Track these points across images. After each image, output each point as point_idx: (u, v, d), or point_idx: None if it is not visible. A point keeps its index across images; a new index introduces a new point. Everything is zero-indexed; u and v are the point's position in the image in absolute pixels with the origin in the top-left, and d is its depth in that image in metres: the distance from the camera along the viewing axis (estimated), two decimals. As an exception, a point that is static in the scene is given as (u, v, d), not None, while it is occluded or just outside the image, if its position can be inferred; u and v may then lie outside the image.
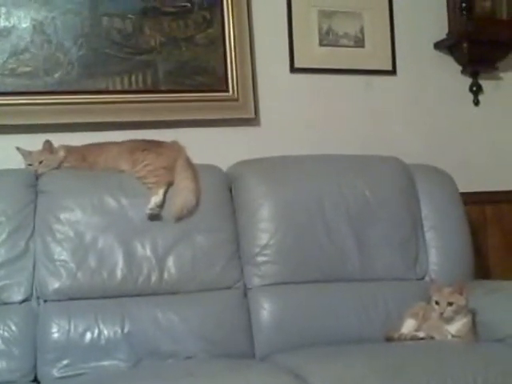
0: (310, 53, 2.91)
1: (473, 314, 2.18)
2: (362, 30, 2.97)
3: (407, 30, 3.03)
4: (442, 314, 2.13)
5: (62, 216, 2.27)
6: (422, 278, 2.53)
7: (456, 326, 2.14)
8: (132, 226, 2.31)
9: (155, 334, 2.20)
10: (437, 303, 2.15)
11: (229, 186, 2.52)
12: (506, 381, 1.90)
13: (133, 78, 2.67)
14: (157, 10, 2.69)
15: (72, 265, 2.23)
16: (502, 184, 3.08)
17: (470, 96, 3.11)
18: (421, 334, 2.18)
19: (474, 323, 2.18)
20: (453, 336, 2.14)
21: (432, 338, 2.16)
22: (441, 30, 3.06)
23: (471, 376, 1.87)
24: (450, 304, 2.13)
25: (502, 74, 3.18)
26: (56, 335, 2.14)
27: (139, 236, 2.30)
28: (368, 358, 2.01)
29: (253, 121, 2.81)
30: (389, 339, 2.23)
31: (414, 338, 2.19)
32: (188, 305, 2.28)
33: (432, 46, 3.07)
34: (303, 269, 2.41)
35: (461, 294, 2.15)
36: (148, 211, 2.31)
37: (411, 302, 2.32)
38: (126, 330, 2.17)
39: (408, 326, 2.24)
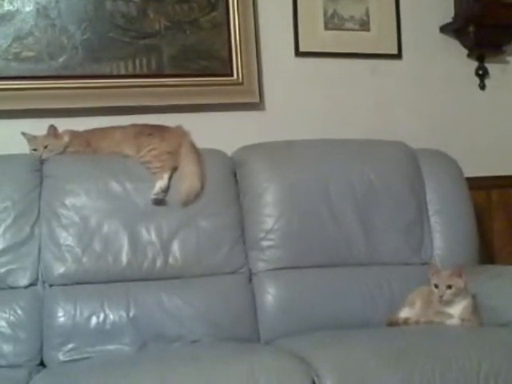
0: (315, 36, 2.89)
1: (473, 297, 2.18)
2: (367, 14, 2.95)
3: (413, 14, 3.01)
4: (441, 297, 2.14)
5: (67, 201, 2.28)
6: (427, 263, 2.52)
7: (458, 309, 2.15)
8: (137, 210, 2.31)
9: (160, 318, 2.20)
10: (436, 286, 2.16)
11: (233, 171, 2.52)
12: (511, 365, 1.90)
13: (137, 62, 2.66)
14: (161, -6, 2.68)
15: (77, 249, 2.24)
16: (507, 169, 3.07)
17: (476, 80, 3.10)
18: (423, 319, 2.19)
19: (476, 306, 2.18)
20: (456, 319, 2.14)
21: (432, 322, 2.16)
22: (447, 14, 3.04)
23: (476, 360, 1.87)
24: (449, 287, 2.13)
25: (508, 58, 3.16)
26: (62, 319, 2.15)
27: (144, 221, 2.31)
28: (372, 342, 2.01)
29: (257, 105, 2.81)
30: (391, 324, 2.24)
31: (417, 323, 2.19)
32: (193, 289, 2.28)
33: (438, 29, 3.05)
34: (308, 253, 2.41)
35: (459, 276, 2.15)
36: (153, 196, 2.31)
37: (416, 287, 2.32)
38: (131, 315, 2.18)
39: (404, 314, 2.24)
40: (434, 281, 2.17)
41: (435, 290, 2.15)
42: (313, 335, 2.17)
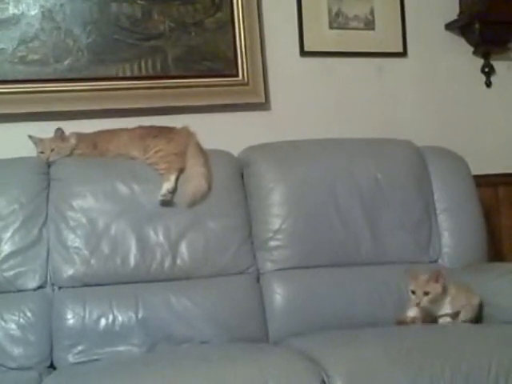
0: (320, 36, 2.89)
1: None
2: (372, 12, 2.94)
3: (418, 11, 3.00)
4: (417, 304, 2.12)
5: (75, 203, 2.29)
6: (435, 261, 2.52)
7: (445, 309, 2.14)
8: (144, 212, 2.31)
9: (169, 319, 2.21)
10: (413, 292, 2.14)
11: (240, 171, 2.52)
12: (521, 363, 1.89)
13: (142, 63, 2.66)
14: (165, -5, 2.68)
15: (85, 251, 2.25)
16: (514, 165, 3.06)
17: (482, 77, 3.09)
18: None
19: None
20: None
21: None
22: (452, 11, 3.03)
23: (486, 359, 1.86)
24: (426, 293, 2.11)
25: (514, 55, 3.15)
26: (71, 321, 2.16)
27: (152, 222, 2.31)
28: (381, 341, 2.01)
29: (263, 105, 2.81)
30: (399, 323, 2.23)
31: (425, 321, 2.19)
32: (201, 290, 2.29)
33: (443, 27, 3.05)
34: (316, 253, 2.41)
35: (436, 281, 2.13)
36: (160, 197, 2.32)
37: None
38: (140, 316, 2.19)
39: (412, 313, 2.23)
40: (411, 287, 2.15)
41: (412, 297, 2.14)
42: (322, 335, 2.17)
